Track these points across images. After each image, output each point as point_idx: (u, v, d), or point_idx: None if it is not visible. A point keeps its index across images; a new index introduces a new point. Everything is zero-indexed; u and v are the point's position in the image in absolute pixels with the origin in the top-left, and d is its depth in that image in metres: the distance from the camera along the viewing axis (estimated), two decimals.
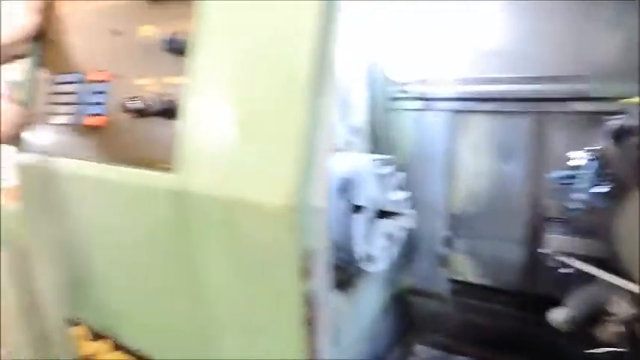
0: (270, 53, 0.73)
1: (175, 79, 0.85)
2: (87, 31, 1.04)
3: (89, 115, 0.99)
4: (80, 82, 1.04)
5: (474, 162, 1.69)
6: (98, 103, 0.99)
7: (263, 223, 0.72)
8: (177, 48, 0.83)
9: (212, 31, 0.80)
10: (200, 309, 0.87)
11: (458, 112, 1.67)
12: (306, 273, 0.71)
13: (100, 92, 0.98)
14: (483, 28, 1.60)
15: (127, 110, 0.89)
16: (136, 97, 0.89)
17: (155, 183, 0.85)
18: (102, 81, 0.98)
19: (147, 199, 0.88)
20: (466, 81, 1.63)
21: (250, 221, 0.74)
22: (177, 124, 0.83)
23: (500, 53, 1.57)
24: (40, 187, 1.15)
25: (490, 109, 1.60)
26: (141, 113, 0.87)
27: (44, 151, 1.11)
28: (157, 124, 0.87)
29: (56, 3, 1.13)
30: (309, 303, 0.72)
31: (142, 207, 0.90)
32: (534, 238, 1.57)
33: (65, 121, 1.05)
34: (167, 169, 0.84)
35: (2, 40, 1.07)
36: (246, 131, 0.74)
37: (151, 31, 0.91)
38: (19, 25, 1.10)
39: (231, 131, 0.75)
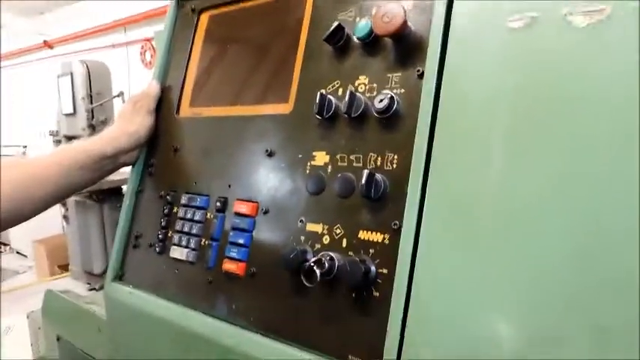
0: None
1: (372, 235, 0.61)
2: (219, 141, 0.82)
3: (227, 257, 0.75)
4: (207, 208, 0.81)
5: None
6: (236, 244, 0.74)
7: None
8: (375, 192, 0.59)
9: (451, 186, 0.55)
10: None
11: None
12: None
13: (242, 230, 0.74)
14: None
15: (294, 269, 0.64)
16: (304, 252, 0.65)
17: None
18: (245, 215, 0.74)
19: None
20: None
21: None
22: (379, 297, 0.58)
23: None
24: (133, 334, 0.90)
25: None
26: (310, 278, 0.62)
27: (148, 288, 0.87)
28: (341, 292, 0.62)
29: (169, 101, 0.93)
30: None
31: None
32: None
33: (182, 257, 0.82)
34: None
35: (110, 147, 0.86)
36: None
37: (324, 160, 0.68)
38: (129, 129, 0.89)
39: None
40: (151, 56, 4.50)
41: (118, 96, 3.40)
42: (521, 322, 0.48)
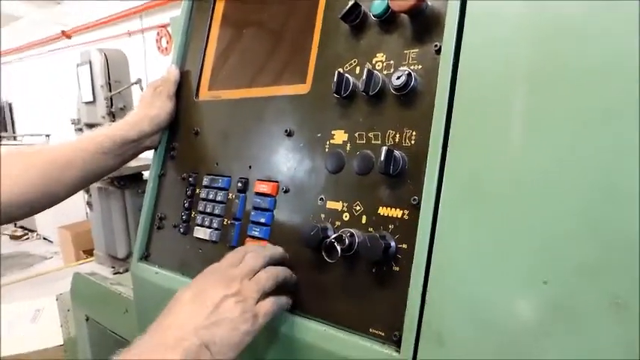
0: None
1: (391, 211, 0.62)
2: (239, 123, 0.83)
3: (249, 236, 0.77)
4: (228, 189, 0.83)
5: None
6: (257, 223, 0.76)
7: None
8: (394, 169, 0.60)
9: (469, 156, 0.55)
10: None
11: None
12: None
13: (263, 209, 0.76)
14: None
15: (315, 246, 0.66)
16: (324, 228, 0.66)
17: (361, 354, 0.61)
18: (266, 195, 0.76)
19: None
20: None
21: None
22: (401, 274, 0.59)
23: None
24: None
25: None
26: (331, 254, 0.63)
27: (173, 267, 0.90)
28: (361, 267, 0.63)
29: (188, 85, 0.94)
30: None
31: None
32: None
33: (206, 237, 0.84)
34: (384, 339, 0.60)
35: (133, 131, 0.88)
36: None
37: (343, 139, 0.68)
38: (150, 114, 0.91)
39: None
40: (167, 42, 4.53)
41: (136, 83, 3.44)
42: (538, 294, 0.49)
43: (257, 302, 0.63)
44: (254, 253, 0.68)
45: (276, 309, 0.65)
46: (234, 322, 0.60)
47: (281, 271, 0.67)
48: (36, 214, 0.83)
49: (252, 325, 0.61)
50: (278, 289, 0.67)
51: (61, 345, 1.92)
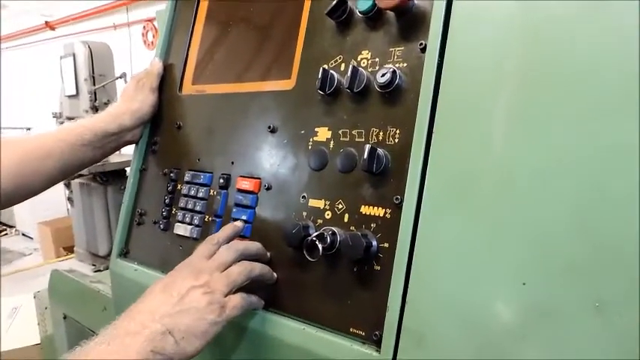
0: None
1: (374, 210, 0.61)
2: (222, 118, 0.82)
3: None
4: (210, 185, 0.81)
5: None
6: (239, 220, 0.75)
7: None
8: (377, 167, 0.60)
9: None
10: None
11: None
12: None
13: (244, 206, 0.75)
14: None
15: (297, 244, 0.65)
16: (305, 226, 0.66)
17: (340, 354, 0.60)
18: (248, 191, 0.75)
19: None
20: None
21: None
22: (381, 271, 0.59)
23: None
24: None
25: None
26: (312, 252, 0.63)
27: (153, 264, 0.88)
28: (343, 266, 0.63)
29: (172, 79, 0.93)
30: None
31: None
32: None
33: (186, 233, 0.82)
34: (364, 339, 0.59)
35: (114, 124, 0.87)
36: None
37: (326, 136, 0.68)
38: (132, 107, 0.89)
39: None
40: (153, 37, 4.48)
41: (121, 77, 3.39)
42: (520, 295, 0.49)
43: (226, 296, 0.63)
44: (228, 246, 0.67)
45: (245, 305, 0.65)
46: (200, 312, 0.60)
47: (257, 267, 0.67)
48: (12, 205, 0.81)
49: (218, 315, 0.61)
50: (255, 286, 0.66)
51: (38, 344, 1.88)
